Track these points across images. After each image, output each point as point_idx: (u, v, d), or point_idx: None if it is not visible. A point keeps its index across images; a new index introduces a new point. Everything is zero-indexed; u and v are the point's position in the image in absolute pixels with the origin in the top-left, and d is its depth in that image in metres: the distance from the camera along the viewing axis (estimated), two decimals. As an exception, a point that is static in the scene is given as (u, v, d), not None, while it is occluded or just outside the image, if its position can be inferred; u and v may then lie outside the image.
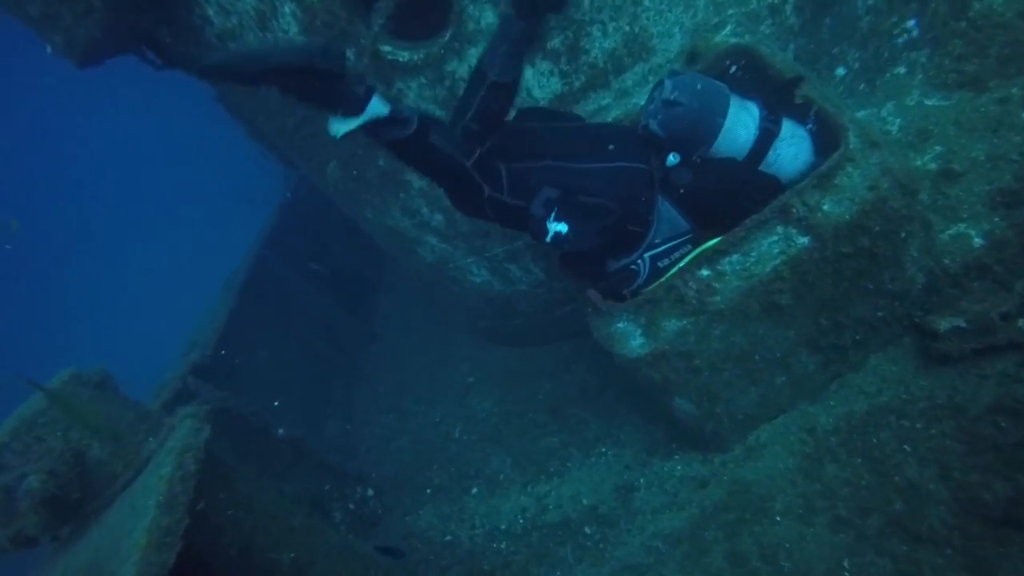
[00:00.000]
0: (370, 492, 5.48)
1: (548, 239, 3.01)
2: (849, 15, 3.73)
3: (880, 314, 3.20)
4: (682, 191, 3.08)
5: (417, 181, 4.29)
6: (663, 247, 3.18)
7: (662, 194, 3.12)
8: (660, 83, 3.13)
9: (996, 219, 3.14)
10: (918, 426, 2.91)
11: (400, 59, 3.61)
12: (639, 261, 3.22)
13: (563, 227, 2.98)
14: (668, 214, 3.14)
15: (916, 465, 2.79)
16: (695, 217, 3.15)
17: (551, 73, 3.67)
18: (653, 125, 3.06)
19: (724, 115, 2.98)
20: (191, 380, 4.51)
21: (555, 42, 3.56)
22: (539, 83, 3.70)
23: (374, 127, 2.72)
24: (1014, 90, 3.45)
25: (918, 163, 3.51)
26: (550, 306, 5.02)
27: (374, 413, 6.77)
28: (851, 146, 2.91)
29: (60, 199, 30.84)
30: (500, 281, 4.97)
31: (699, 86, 3.02)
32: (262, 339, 6.51)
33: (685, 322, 3.03)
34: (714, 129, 2.99)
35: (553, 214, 2.98)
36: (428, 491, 5.19)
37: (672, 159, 3.06)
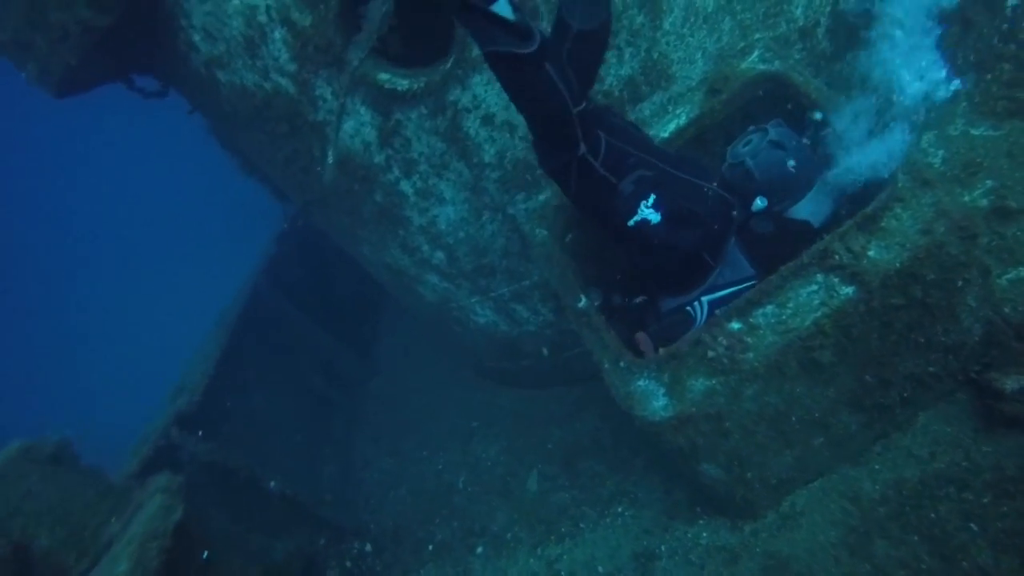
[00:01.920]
0: (368, 547, 5.12)
1: (635, 220, 2.82)
2: (884, 39, 3.45)
3: (931, 369, 2.86)
4: (757, 239, 2.94)
5: (418, 217, 4.00)
6: (724, 292, 2.97)
7: (735, 236, 2.97)
8: (760, 129, 2.99)
9: (1062, 264, 2.80)
10: (985, 501, 2.55)
11: (399, 87, 3.35)
12: (696, 304, 3.00)
13: (656, 217, 2.82)
14: (735, 257, 2.96)
15: (989, 549, 2.42)
16: (762, 267, 2.92)
17: (561, 103, 3.38)
18: (749, 163, 2.90)
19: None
20: (175, 432, 4.18)
21: (566, 69, 3.28)
22: (548, 113, 3.41)
23: (491, 31, 2.31)
24: (1072, 120, 3.14)
25: (966, 199, 3.19)
26: (559, 348, 4.69)
27: (373, 456, 6.42)
28: (900, 184, 2.60)
29: (53, 218, 30.65)
30: (506, 322, 4.65)
31: (805, 141, 2.95)
32: (256, 379, 6.20)
33: (714, 381, 2.70)
34: (808, 187, 2.93)
35: (651, 199, 2.81)
36: (430, 547, 4.82)
37: (760, 203, 2.93)
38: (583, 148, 2.67)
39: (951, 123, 3.43)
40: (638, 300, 3.15)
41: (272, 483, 4.74)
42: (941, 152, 3.40)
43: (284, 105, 3.63)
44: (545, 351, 4.68)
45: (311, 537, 4.96)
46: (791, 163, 2.85)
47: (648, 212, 2.81)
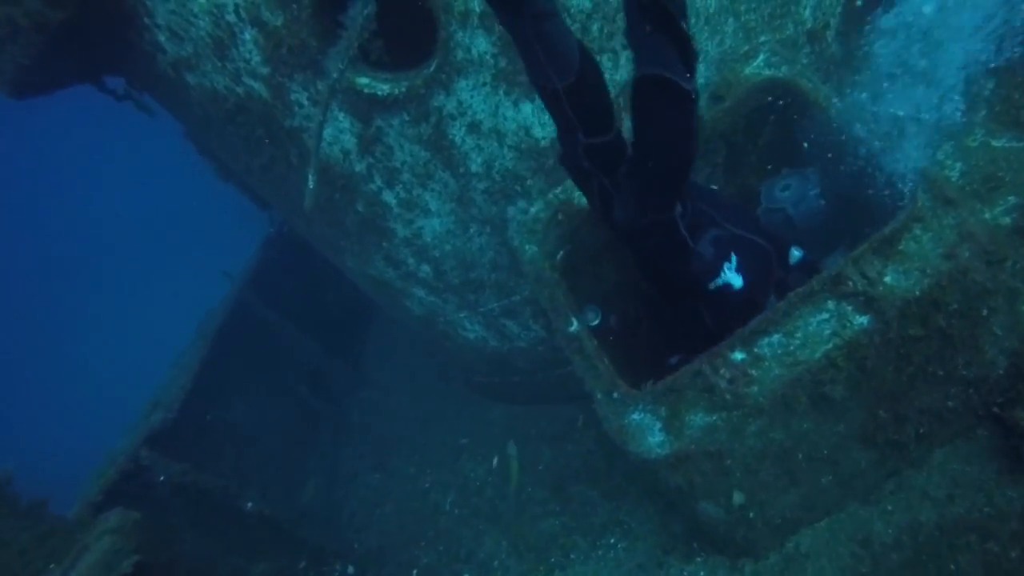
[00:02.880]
0: (350, 570, 4.89)
1: (716, 283, 2.63)
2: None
3: (950, 404, 2.64)
4: None
5: (402, 229, 3.77)
6: None
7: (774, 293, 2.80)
8: (799, 173, 2.86)
9: (1092, 291, 2.57)
10: (1013, 555, 2.33)
11: (379, 93, 3.11)
12: None
13: (739, 281, 2.65)
14: None
15: (1015, 611, 2.20)
16: None
17: (553, 109, 3.15)
18: (791, 211, 2.80)
19: None
20: (145, 453, 3.94)
21: (558, 74, 3.05)
22: (540, 120, 3.19)
23: (667, 51, 1.96)
24: (1101, 133, 2.91)
25: (987, 216, 2.96)
26: (551, 365, 4.46)
27: (360, 470, 6.20)
28: (919, 203, 2.38)
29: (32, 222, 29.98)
30: (496, 337, 4.43)
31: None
32: (239, 390, 5.97)
33: (715, 417, 2.47)
34: (844, 239, 2.83)
35: (734, 262, 2.63)
36: (414, 572, 4.60)
37: (796, 253, 2.80)
38: (679, 208, 2.45)
39: (970, 134, 3.19)
40: (674, 360, 2.94)
41: (249, 503, 4.52)
42: (959, 165, 3.16)
43: (258, 110, 3.40)
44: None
45: (291, 559, 4.74)
46: (832, 215, 2.74)
47: (732, 275, 2.63)
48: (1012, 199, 2.92)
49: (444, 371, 5.97)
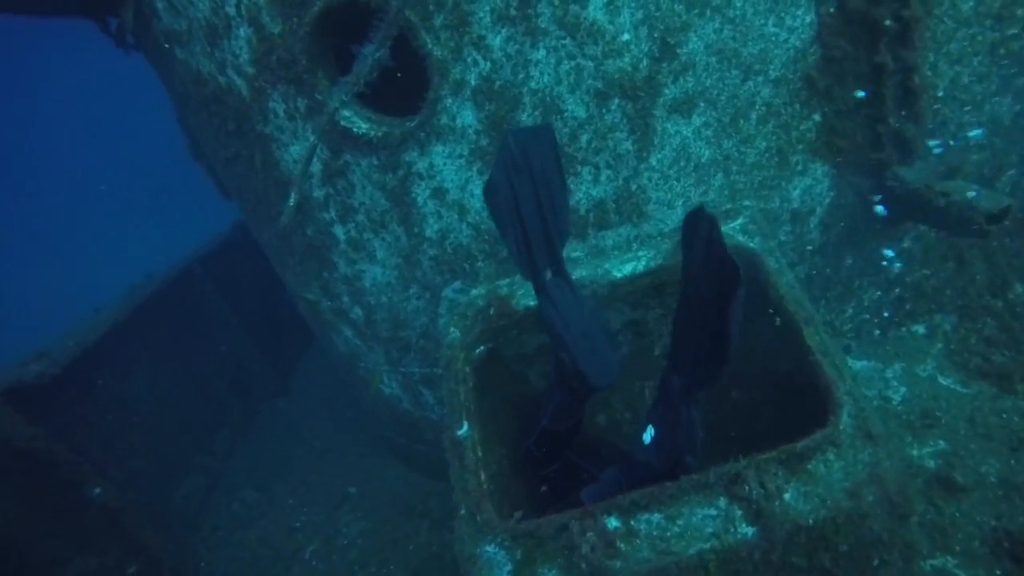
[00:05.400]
0: (179, 591, 4.51)
1: None
2: (879, 251, 3.15)
3: (820, 643, 2.43)
4: None
5: (344, 266, 3.61)
6: None
7: None
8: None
9: (997, 572, 2.42)
10: None
11: (355, 129, 2.99)
12: None
13: None
14: None
15: None
16: None
17: (522, 203, 3.03)
18: None
19: None
20: (-5, 407, 3.64)
21: (537, 170, 2.95)
22: (506, 209, 3.06)
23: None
24: (1046, 405, 2.81)
25: (914, 453, 2.83)
26: (457, 447, 4.22)
27: (242, 484, 5.85)
28: (841, 427, 2.24)
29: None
30: (410, 401, 4.21)
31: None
32: (148, 363, 5.67)
33: (567, 580, 2.25)
34: None
35: None
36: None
37: None
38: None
39: (922, 362, 3.10)
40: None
41: (98, 489, 4.18)
42: (904, 390, 3.06)
43: (235, 105, 3.27)
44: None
45: (121, 560, 4.36)
46: None
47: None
48: (942, 444, 2.80)
49: (359, 412, 5.71)
